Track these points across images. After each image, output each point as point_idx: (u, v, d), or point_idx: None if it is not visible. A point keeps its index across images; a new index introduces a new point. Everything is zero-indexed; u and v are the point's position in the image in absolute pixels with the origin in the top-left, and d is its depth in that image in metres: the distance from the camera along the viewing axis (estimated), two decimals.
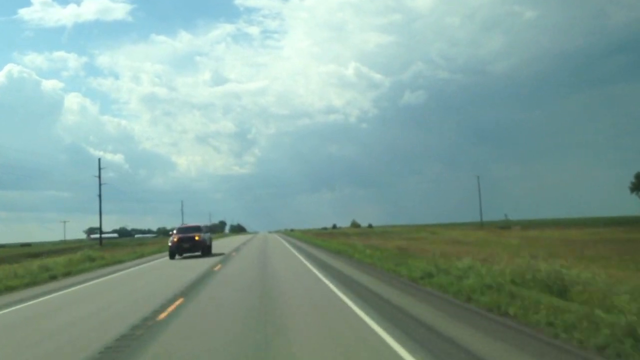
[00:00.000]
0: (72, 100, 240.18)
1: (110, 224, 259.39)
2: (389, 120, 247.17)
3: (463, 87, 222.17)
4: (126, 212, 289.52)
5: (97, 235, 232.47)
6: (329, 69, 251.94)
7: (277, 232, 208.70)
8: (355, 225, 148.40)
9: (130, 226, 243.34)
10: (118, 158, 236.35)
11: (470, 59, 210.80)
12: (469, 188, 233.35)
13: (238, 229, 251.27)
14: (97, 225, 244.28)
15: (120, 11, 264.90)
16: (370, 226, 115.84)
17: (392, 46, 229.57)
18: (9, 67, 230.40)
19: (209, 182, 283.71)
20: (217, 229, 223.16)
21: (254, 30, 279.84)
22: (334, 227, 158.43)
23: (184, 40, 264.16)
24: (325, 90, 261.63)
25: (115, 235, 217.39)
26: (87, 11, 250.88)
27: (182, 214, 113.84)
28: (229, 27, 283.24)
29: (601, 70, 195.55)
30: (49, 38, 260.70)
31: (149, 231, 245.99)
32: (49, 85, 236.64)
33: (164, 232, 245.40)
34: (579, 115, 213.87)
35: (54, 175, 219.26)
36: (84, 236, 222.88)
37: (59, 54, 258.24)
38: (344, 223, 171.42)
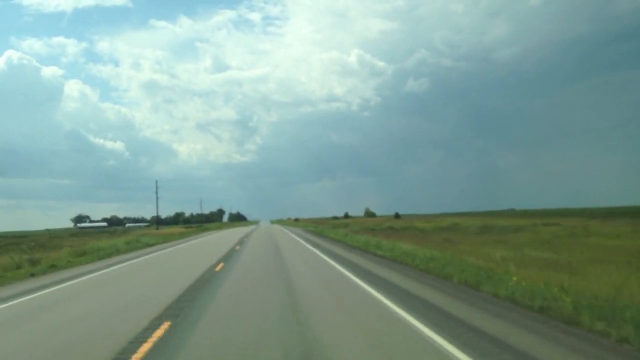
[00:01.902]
0: (72, 87, 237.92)
1: (111, 212, 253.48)
2: (391, 108, 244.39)
3: (467, 75, 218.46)
4: (128, 199, 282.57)
5: (86, 225, 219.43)
6: (331, 56, 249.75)
7: (279, 221, 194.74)
8: (369, 214, 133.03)
9: (131, 215, 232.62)
10: (119, 146, 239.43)
11: (474, 46, 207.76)
12: (479, 175, 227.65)
13: (237, 218, 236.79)
14: (88, 213, 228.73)
15: None
16: (397, 215, 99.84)
17: (395, 33, 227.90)
18: (8, 53, 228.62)
19: (211, 170, 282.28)
20: (215, 218, 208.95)
21: (255, 16, 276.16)
22: (347, 216, 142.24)
23: (184, 26, 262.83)
24: (327, 77, 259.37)
25: (104, 224, 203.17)
26: None
27: (157, 198, 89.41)
28: (230, 13, 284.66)
29: (607, 57, 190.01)
30: (48, 23, 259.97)
31: (143, 220, 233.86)
32: (49, 72, 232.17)
33: (158, 221, 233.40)
34: (583, 103, 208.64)
35: (54, 162, 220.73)
36: (71, 225, 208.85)
37: (58, 40, 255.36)
38: (352, 211, 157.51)
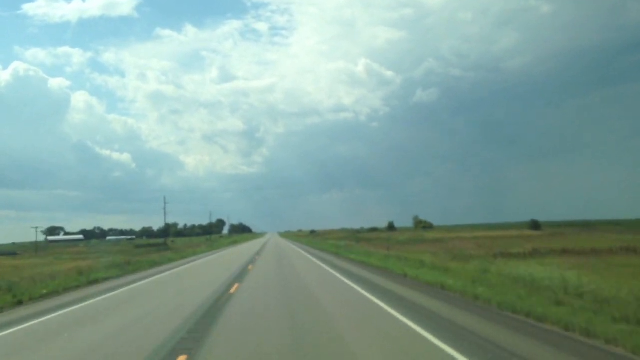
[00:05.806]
0: (79, 99, 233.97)
1: (118, 224, 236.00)
2: (400, 118, 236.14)
3: (476, 85, 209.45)
4: (135, 211, 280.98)
5: (58, 238, 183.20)
6: (338, 65, 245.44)
7: (287, 235, 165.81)
8: (424, 224, 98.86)
9: (140, 226, 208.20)
10: (125, 157, 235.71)
11: (483, 55, 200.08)
12: (490, 186, 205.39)
13: (240, 230, 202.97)
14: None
15: (125, 6, 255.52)
16: (536, 224, 65.16)
17: (403, 42, 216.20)
18: (15, 64, 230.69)
19: (218, 182, 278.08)
20: (213, 229, 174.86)
21: (262, 26, 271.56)
22: (391, 227, 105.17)
23: (190, 36, 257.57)
24: (335, 87, 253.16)
25: (80, 237, 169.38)
26: (92, 6, 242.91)
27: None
28: (236, 23, 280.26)
29: (619, 67, 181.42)
30: (54, 34, 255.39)
31: (131, 232, 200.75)
32: (56, 83, 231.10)
33: (148, 234, 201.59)
34: (594, 113, 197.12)
35: (60, 174, 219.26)
36: (42, 237, 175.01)
37: (64, 50, 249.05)
38: (361, 224, 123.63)
